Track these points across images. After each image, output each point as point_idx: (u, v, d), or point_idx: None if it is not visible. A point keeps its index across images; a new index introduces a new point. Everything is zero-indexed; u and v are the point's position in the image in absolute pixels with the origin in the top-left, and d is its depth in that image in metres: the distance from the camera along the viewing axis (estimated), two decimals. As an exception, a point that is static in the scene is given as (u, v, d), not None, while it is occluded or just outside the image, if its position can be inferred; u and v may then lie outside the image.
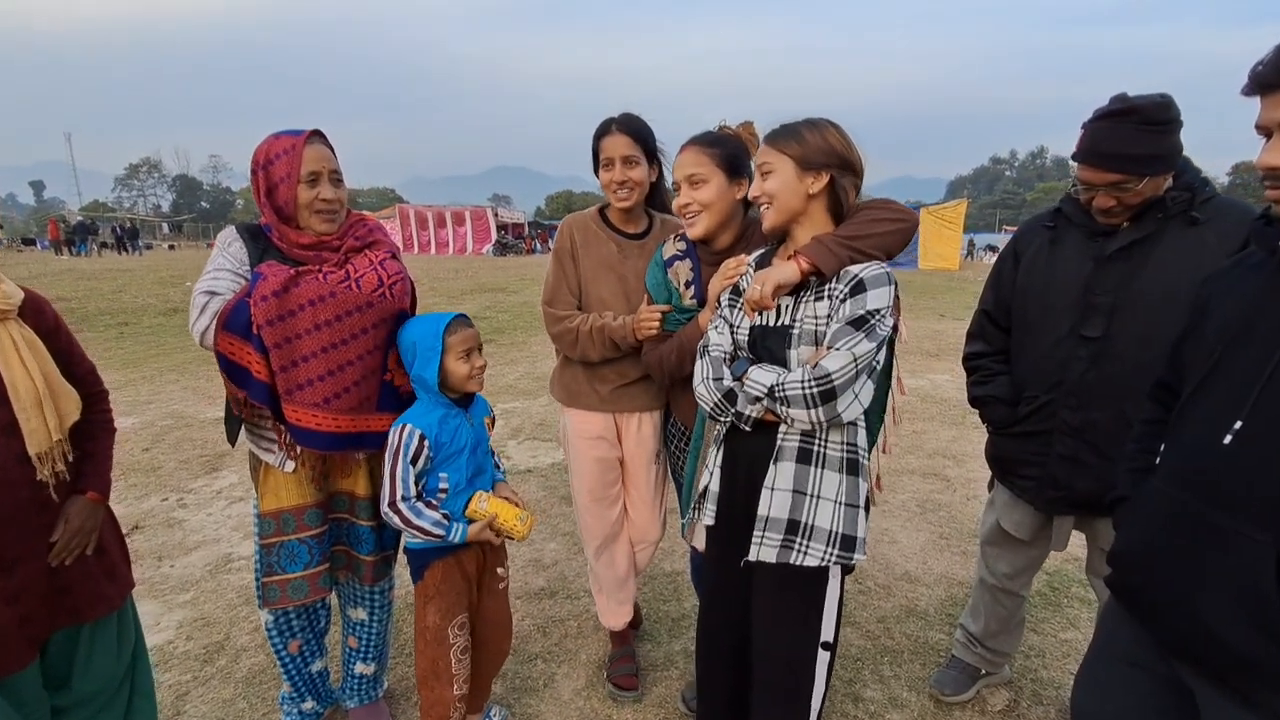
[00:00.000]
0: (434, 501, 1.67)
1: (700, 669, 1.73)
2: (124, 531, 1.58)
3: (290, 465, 1.65)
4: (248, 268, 1.63)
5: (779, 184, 1.44)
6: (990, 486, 2.06)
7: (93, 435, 1.46)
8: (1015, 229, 2.14)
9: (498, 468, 1.89)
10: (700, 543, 1.67)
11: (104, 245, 27.75)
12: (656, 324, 1.81)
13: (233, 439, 1.71)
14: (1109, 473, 1.62)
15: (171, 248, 31.57)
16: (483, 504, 1.69)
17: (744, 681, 1.60)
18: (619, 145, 1.91)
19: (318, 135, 1.65)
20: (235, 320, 1.55)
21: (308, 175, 1.60)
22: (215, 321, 1.55)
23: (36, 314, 1.35)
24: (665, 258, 1.89)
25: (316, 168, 1.61)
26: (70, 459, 1.37)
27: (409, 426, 1.63)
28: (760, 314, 1.47)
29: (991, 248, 31.66)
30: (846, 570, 1.51)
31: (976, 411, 1.95)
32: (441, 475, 1.68)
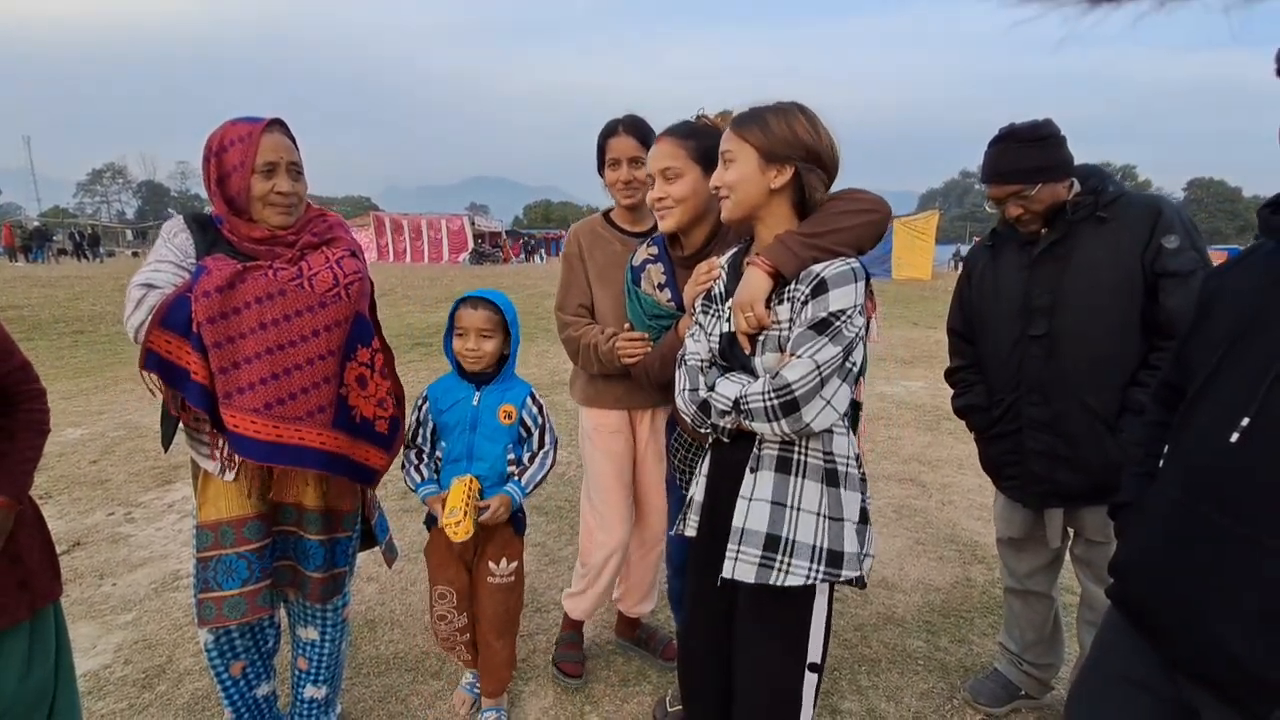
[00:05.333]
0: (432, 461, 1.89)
1: (685, 695, 1.60)
2: (63, 548, 1.47)
3: (229, 474, 1.54)
4: (193, 260, 1.52)
5: (739, 175, 1.34)
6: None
7: (11, 434, 1.35)
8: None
9: (514, 475, 1.86)
10: (693, 530, 1.56)
11: (61, 252, 26.85)
12: (637, 356, 1.82)
13: (167, 443, 1.59)
14: (1085, 462, 1.74)
15: (135, 255, 30.61)
16: (452, 482, 1.74)
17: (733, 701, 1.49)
18: (626, 147, 1.96)
19: (278, 124, 1.55)
20: (174, 316, 1.44)
21: (263, 165, 1.50)
22: (152, 317, 1.43)
23: None
24: (636, 263, 1.86)
25: (273, 158, 1.51)
26: None
27: (427, 387, 1.90)
28: (736, 320, 1.37)
29: (960, 256, 32.22)
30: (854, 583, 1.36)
31: (963, 421, 2.06)
32: (443, 443, 1.87)
